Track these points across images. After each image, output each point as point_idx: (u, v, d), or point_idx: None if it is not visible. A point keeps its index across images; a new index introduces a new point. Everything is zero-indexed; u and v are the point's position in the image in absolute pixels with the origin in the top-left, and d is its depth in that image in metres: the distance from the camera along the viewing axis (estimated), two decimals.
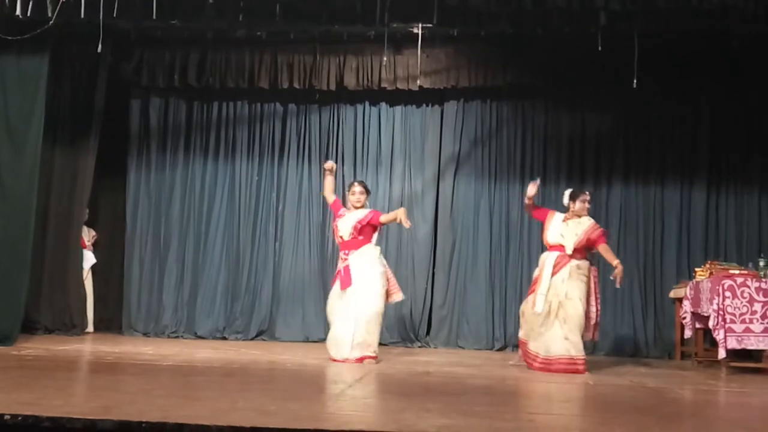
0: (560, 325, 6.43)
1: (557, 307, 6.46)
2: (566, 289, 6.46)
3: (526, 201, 6.94)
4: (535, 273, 6.76)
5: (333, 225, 7.14)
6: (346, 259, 6.85)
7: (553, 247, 6.65)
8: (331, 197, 7.20)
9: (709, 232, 8.86)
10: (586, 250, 6.65)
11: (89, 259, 9.21)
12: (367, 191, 7.13)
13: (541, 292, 6.51)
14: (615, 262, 6.58)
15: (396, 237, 9.12)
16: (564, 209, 6.82)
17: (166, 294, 9.27)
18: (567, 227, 6.65)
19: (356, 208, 6.98)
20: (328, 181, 7.22)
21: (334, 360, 6.79)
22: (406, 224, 6.79)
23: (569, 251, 6.54)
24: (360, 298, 6.70)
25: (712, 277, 7.05)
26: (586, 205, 6.73)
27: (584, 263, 6.59)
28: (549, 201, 8.64)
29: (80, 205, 8.83)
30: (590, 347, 8.66)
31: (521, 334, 6.80)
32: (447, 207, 9.19)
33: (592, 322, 6.59)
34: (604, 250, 6.66)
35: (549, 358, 6.42)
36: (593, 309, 6.60)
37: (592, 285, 6.61)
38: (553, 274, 6.51)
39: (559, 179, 9.06)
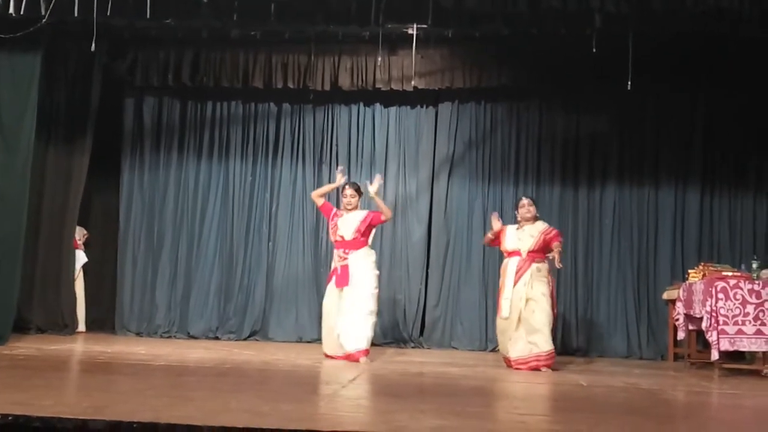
0: (524, 326, 6.64)
1: (521, 311, 6.65)
2: (529, 291, 6.65)
3: (491, 236, 7.10)
4: (501, 281, 6.94)
5: (332, 223, 7.22)
6: (345, 258, 7.00)
7: (512, 253, 6.87)
8: (320, 201, 7.41)
9: (702, 233, 8.87)
10: (544, 252, 6.83)
11: (80, 258, 9.18)
12: (359, 193, 7.26)
13: (506, 297, 6.75)
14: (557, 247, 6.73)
15: (390, 238, 9.12)
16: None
17: (159, 294, 9.25)
18: (523, 232, 6.89)
19: (348, 210, 7.15)
20: (328, 188, 7.60)
21: (328, 356, 6.99)
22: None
23: (524, 254, 6.76)
24: (356, 298, 6.87)
25: (705, 278, 7.06)
26: (528, 208, 6.93)
27: (543, 266, 6.80)
28: (543, 203, 8.66)
29: (73, 205, 8.80)
30: (584, 348, 8.73)
31: (501, 349, 6.97)
32: (441, 208, 9.19)
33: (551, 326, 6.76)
34: (555, 246, 6.79)
35: (517, 359, 6.65)
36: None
37: (551, 289, 6.79)
38: (516, 279, 6.71)
39: (553, 181, 9.06)
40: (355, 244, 7.02)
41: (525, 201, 7.04)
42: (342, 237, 7.07)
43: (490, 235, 7.15)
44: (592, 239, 8.98)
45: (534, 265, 6.72)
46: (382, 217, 7.17)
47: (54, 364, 6.01)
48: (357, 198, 7.22)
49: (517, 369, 6.61)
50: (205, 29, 8.48)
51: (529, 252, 6.76)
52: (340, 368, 6.33)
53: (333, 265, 7.17)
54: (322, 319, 7.37)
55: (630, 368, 7.36)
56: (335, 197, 9.21)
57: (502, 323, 6.84)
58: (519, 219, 7.00)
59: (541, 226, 6.92)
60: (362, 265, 6.96)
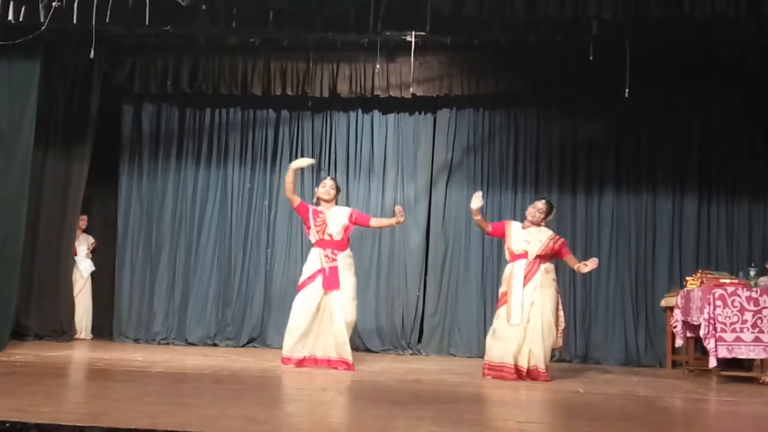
0: (529, 335, 6.35)
1: (529, 317, 6.37)
2: (537, 298, 6.39)
3: (475, 217, 6.73)
4: (502, 288, 6.59)
5: (317, 219, 6.88)
6: (334, 260, 6.77)
7: (518, 256, 6.54)
8: (297, 199, 7.03)
9: (700, 240, 8.87)
10: (549, 259, 6.58)
11: (88, 267, 9.21)
12: (338, 188, 7.15)
13: (516, 302, 6.38)
14: (583, 265, 6.50)
15: (388, 244, 9.12)
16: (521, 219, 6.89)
17: (157, 300, 9.24)
18: (529, 234, 6.60)
19: (325, 201, 6.96)
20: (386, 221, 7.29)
21: (306, 360, 6.75)
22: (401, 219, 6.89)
23: (531, 257, 6.46)
24: (344, 304, 6.73)
25: (703, 286, 7.06)
26: (541, 210, 6.64)
27: (551, 266, 6.56)
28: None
29: (73, 212, 8.80)
30: (582, 355, 8.73)
31: (493, 356, 6.47)
32: (439, 215, 9.19)
33: (562, 327, 6.57)
34: (570, 259, 6.64)
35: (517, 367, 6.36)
36: (561, 314, 6.58)
37: (558, 296, 6.58)
38: (525, 283, 6.42)
39: (551, 187, 9.07)
40: (342, 245, 6.82)
41: (540, 204, 6.70)
42: (330, 236, 6.80)
43: (474, 216, 6.71)
44: (590, 246, 8.96)
45: (542, 266, 6.45)
46: (373, 222, 7.13)
47: (52, 370, 6.00)
48: (335, 191, 7.04)
49: (530, 380, 6.28)
50: (203, 36, 8.51)
51: (537, 256, 6.46)
52: (337, 375, 6.33)
53: (320, 266, 6.76)
54: (292, 319, 6.88)
55: (628, 375, 7.35)
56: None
57: (506, 330, 6.39)
58: (529, 219, 6.68)
59: (547, 231, 6.63)
60: (348, 270, 6.80)
